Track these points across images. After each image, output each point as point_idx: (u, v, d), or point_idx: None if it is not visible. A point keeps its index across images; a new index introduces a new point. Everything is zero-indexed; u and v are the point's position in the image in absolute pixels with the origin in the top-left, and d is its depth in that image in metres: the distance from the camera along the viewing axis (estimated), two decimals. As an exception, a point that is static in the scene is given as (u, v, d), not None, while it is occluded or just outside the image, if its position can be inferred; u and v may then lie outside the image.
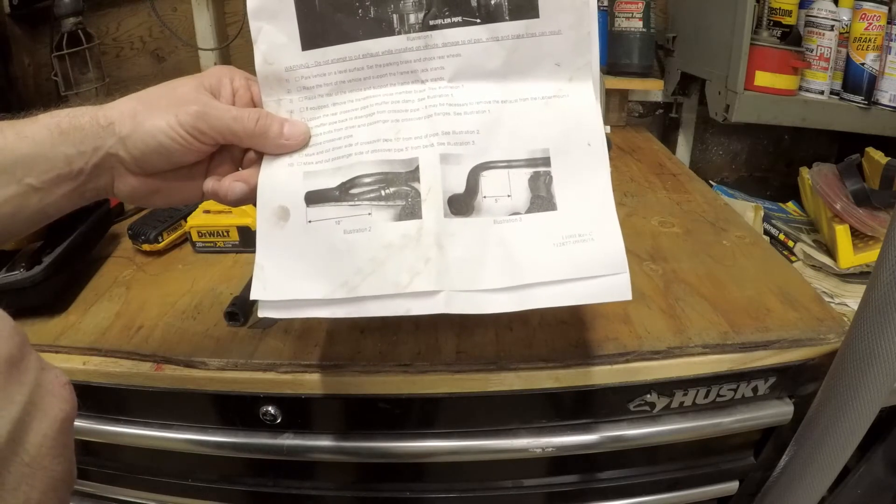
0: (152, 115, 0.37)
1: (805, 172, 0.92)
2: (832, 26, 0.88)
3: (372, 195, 0.38)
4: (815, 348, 0.51)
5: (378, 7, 0.40)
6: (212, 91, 0.40)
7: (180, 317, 0.56)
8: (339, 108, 0.41)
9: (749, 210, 0.92)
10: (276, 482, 0.57)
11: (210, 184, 0.41)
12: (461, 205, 0.38)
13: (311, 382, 0.49)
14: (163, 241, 0.67)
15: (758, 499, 0.61)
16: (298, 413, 0.51)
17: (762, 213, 0.92)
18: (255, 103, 0.42)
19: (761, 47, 0.88)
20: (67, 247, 0.59)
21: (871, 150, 0.86)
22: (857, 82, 0.88)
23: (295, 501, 0.58)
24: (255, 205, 0.40)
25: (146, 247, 0.66)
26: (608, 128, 0.97)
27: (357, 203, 0.38)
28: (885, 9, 0.84)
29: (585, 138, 0.39)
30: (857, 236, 0.80)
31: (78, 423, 0.54)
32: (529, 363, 0.48)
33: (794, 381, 0.52)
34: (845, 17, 0.88)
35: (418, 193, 0.38)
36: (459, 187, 0.39)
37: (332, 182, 0.39)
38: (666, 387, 0.50)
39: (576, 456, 0.54)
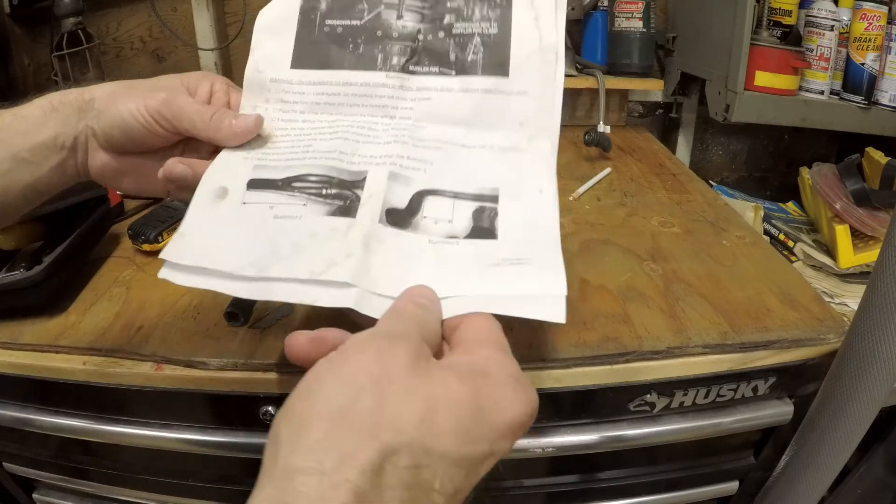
0: (127, 97, 0.40)
1: (805, 172, 0.92)
2: (832, 26, 0.88)
3: (312, 191, 0.39)
4: (815, 348, 0.51)
5: (368, 45, 0.43)
6: (189, 89, 0.42)
7: (180, 317, 0.56)
8: (307, 125, 0.43)
9: (749, 210, 0.92)
10: (276, 482, 0.57)
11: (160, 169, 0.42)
12: (399, 218, 0.38)
13: (311, 382, 0.49)
14: (163, 241, 0.67)
15: (758, 499, 0.61)
16: (298, 413, 0.51)
17: (762, 213, 0.92)
18: (230, 108, 0.44)
19: (761, 47, 0.88)
20: (67, 247, 0.59)
21: (871, 150, 0.86)
22: (857, 82, 0.88)
23: (295, 501, 0.58)
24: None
25: (146, 247, 0.66)
26: (608, 128, 0.97)
27: (295, 194, 0.39)
28: (885, 9, 0.84)
29: (538, 186, 0.39)
30: (857, 236, 0.80)
31: (78, 422, 0.54)
32: (529, 363, 0.48)
33: (794, 381, 0.52)
34: (845, 17, 0.88)
35: (358, 198, 0.38)
36: (401, 204, 0.39)
37: (278, 175, 0.40)
38: (666, 387, 0.50)
39: (576, 456, 0.54)
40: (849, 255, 0.78)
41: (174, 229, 0.68)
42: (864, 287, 0.46)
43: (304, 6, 0.45)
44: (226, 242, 0.36)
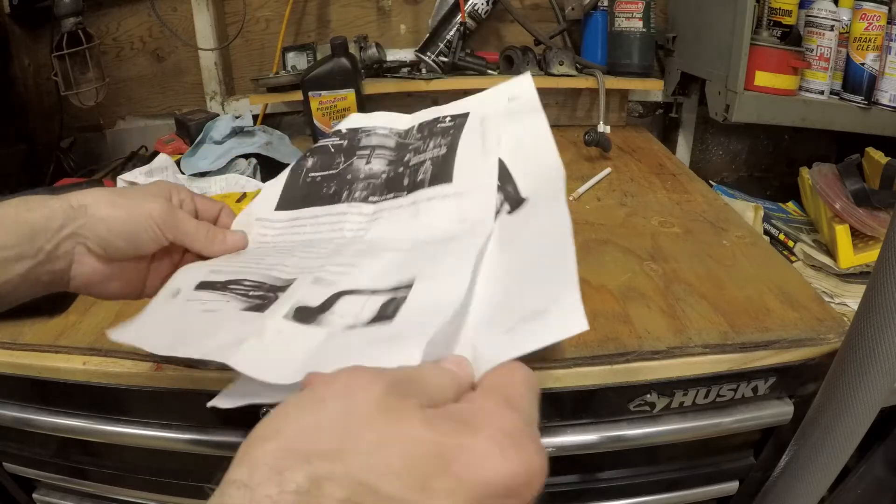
0: (126, 205, 0.40)
1: (805, 172, 0.92)
2: (832, 26, 0.88)
3: (240, 292, 0.41)
4: (815, 348, 0.51)
5: (338, 186, 0.49)
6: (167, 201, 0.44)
7: (180, 317, 0.56)
8: (268, 247, 0.47)
9: (749, 210, 0.92)
10: (276, 482, 0.57)
11: None
12: (306, 315, 0.38)
13: (311, 382, 0.49)
14: (163, 241, 0.67)
15: (758, 499, 0.61)
16: (298, 413, 0.51)
17: (762, 213, 0.92)
18: (197, 214, 0.46)
19: (761, 47, 0.88)
20: (67, 247, 0.59)
21: (871, 150, 0.86)
22: (857, 82, 0.88)
23: (295, 501, 0.58)
24: None
25: (146, 247, 0.66)
26: (608, 128, 0.97)
27: (225, 293, 0.41)
28: (885, 9, 0.84)
29: (456, 268, 0.37)
30: (857, 236, 0.80)
31: (78, 422, 0.54)
32: (529, 363, 0.48)
33: (794, 381, 0.52)
34: (845, 17, 0.88)
35: (277, 298, 0.40)
36: (315, 303, 0.39)
37: (222, 279, 0.42)
38: (666, 387, 0.50)
39: (576, 456, 0.54)
40: (849, 255, 0.78)
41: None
42: (864, 287, 0.46)
43: (295, 166, 0.51)
44: (159, 329, 0.40)
